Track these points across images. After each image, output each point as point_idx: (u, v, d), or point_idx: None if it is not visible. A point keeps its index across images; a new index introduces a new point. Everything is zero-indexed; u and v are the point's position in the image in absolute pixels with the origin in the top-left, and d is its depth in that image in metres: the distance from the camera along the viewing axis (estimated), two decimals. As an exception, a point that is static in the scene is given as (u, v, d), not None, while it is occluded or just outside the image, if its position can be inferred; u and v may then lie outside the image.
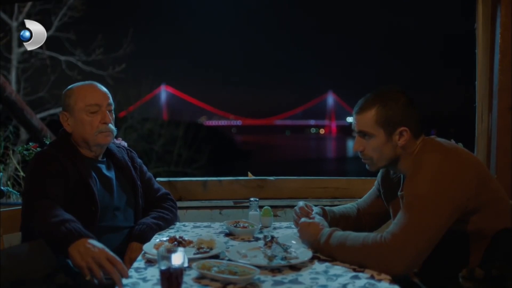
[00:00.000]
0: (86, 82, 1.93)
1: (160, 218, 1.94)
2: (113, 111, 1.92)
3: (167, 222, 1.97)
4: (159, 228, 1.90)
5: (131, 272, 1.40)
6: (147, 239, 1.76)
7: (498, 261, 1.43)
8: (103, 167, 1.92)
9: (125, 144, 2.26)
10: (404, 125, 1.55)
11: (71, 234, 1.50)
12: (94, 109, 1.84)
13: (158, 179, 2.47)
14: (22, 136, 7.63)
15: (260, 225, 1.92)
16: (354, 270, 1.41)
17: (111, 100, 1.91)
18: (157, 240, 1.66)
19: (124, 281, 1.33)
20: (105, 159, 1.96)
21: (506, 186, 2.31)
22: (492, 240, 1.49)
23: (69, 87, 1.91)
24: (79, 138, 1.87)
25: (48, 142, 2.88)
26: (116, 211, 1.87)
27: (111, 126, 1.88)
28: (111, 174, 1.93)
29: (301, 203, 1.82)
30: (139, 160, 2.10)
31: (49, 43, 10.78)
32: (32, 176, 1.76)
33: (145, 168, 2.13)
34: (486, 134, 2.64)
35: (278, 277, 1.35)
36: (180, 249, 1.29)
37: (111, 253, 1.43)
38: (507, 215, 1.51)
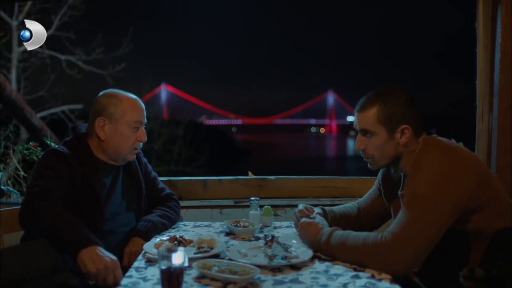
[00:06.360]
0: (130, 94, 1.88)
1: (165, 216, 1.93)
2: None
3: (171, 222, 1.96)
4: (164, 228, 1.89)
5: (132, 272, 1.40)
6: (151, 237, 1.76)
7: (499, 260, 1.43)
8: (112, 171, 1.89)
9: None
10: (406, 123, 1.55)
11: (83, 239, 1.51)
12: (137, 125, 1.85)
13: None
14: (23, 135, 7.63)
15: (261, 224, 1.92)
16: (355, 269, 1.41)
17: None
18: (158, 239, 1.66)
19: (125, 280, 1.33)
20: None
21: (507, 185, 2.31)
22: (492, 239, 1.49)
23: (112, 93, 1.86)
24: (111, 148, 1.84)
25: (48, 141, 2.88)
26: (117, 215, 1.85)
27: (141, 144, 1.89)
28: (118, 177, 1.91)
29: (300, 206, 1.82)
30: (144, 160, 2.07)
31: (49, 42, 10.78)
32: (41, 173, 1.73)
33: (150, 167, 2.10)
34: (487, 134, 2.64)
35: (279, 277, 1.35)
36: (181, 248, 1.29)
37: (119, 268, 1.48)
38: (507, 214, 1.51)
